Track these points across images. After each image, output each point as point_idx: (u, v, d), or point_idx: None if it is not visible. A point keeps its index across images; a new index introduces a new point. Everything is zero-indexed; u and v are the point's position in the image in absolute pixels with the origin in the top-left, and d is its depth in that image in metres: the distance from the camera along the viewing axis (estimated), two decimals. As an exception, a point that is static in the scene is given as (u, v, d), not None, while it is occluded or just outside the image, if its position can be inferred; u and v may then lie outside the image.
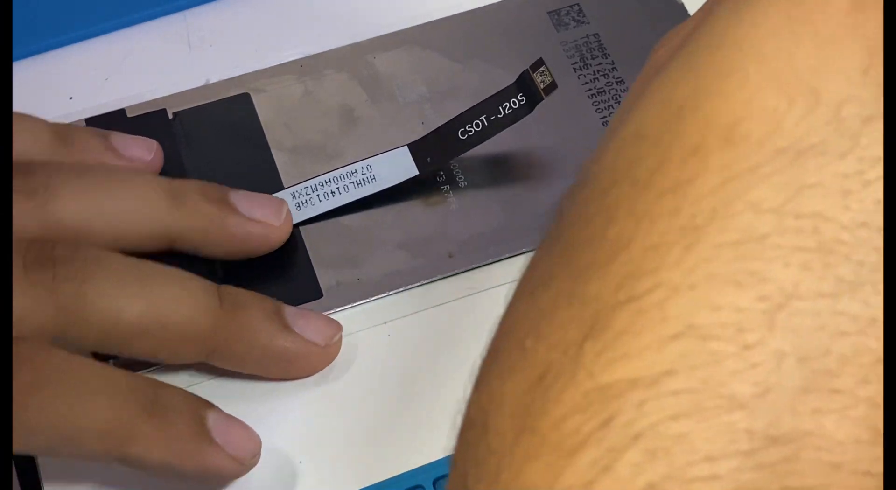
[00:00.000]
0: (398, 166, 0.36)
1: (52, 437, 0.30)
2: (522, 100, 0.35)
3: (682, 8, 0.40)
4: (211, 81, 0.39)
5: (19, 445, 0.29)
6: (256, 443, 0.32)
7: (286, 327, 0.33)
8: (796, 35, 0.19)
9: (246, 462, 0.31)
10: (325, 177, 0.36)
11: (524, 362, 0.19)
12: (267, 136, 0.38)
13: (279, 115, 0.38)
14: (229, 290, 0.33)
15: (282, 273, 0.35)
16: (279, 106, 0.39)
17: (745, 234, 0.19)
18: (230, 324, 0.32)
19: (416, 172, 0.36)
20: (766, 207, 0.19)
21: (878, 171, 0.19)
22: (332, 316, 0.35)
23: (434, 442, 0.33)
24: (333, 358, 0.34)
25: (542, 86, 0.35)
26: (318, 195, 0.36)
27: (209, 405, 0.32)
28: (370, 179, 0.36)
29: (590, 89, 0.38)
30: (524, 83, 0.35)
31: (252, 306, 0.33)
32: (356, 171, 0.36)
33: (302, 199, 0.36)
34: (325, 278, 0.35)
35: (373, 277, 0.35)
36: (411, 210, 0.36)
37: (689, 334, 0.18)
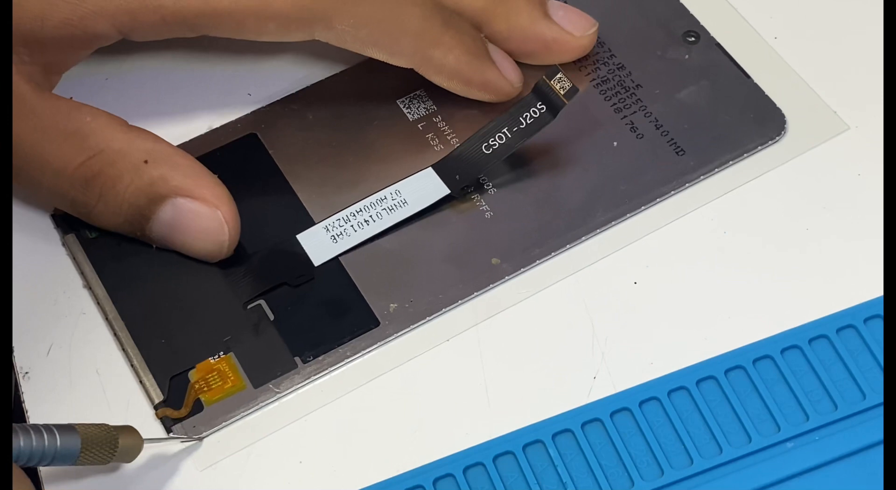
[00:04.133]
0: (427, 187, 0.36)
1: (377, 30, 0.36)
2: (542, 108, 0.35)
3: (665, -13, 0.41)
4: (214, 127, 0.39)
5: (349, 23, 0.35)
6: (521, 76, 0.38)
7: (546, 16, 0.38)
8: None
9: (515, 85, 0.38)
10: (356, 207, 0.36)
11: None
12: (284, 172, 0.37)
13: (291, 150, 0.38)
14: None
15: (334, 308, 0.35)
16: (289, 141, 0.38)
17: None
18: (497, 7, 0.37)
19: (448, 191, 0.36)
20: None
21: None
22: (391, 342, 0.35)
23: (435, 442, 0.33)
24: (587, 50, 0.39)
25: (562, 92, 0.35)
26: (351, 225, 0.36)
27: (484, 38, 0.38)
28: (402, 204, 0.36)
29: (594, 80, 0.39)
30: (541, 92, 0.35)
31: None
32: (385, 198, 0.36)
33: (336, 232, 0.36)
34: (378, 306, 0.35)
35: (426, 297, 0.35)
36: (446, 223, 0.36)
37: None
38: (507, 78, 0.37)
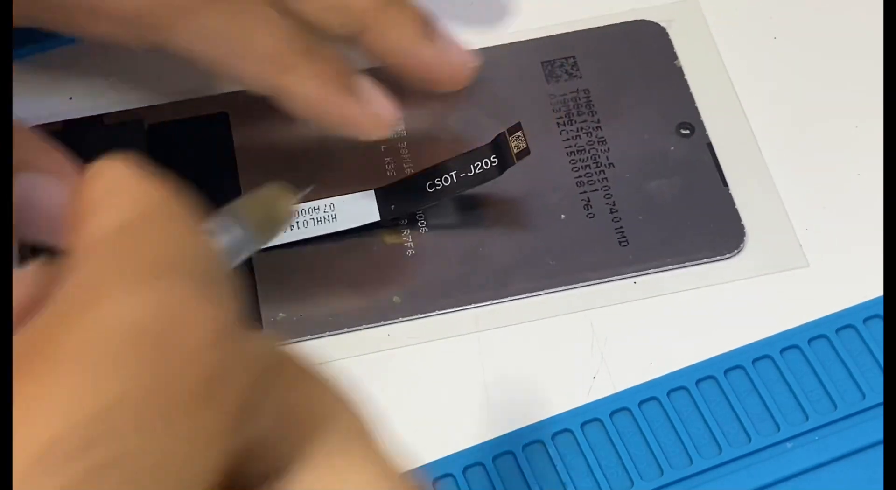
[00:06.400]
0: (361, 209, 0.36)
1: (221, 48, 0.32)
2: (495, 161, 0.34)
3: (680, 72, 0.39)
4: (192, 98, 0.39)
5: (190, 36, 0.32)
6: (393, 113, 0.34)
7: (427, 37, 0.35)
8: None
9: (384, 122, 0.34)
10: (286, 209, 0.36)
11: None
12: (237, 158, 0.37)
13: (254, 138, 0.38)
14: None
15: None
16: (255, 130, 0.38)
17: None
18: (378, 17, 0.34)
19: (377, 218, 0.36)
20: None
21: None
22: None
23: (434, 442, 0.33)
24: (463, 84, 0.35)
25: (515, 151, 0.34)
26: (275, 226, 0.36)
27: (355, 70, 0.34)
28: (331, 218, 0.36)
29: (569, 147, 0.38)
30: (498, 146, 0.34)
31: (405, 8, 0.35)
32: (318, 208, 0.36)
33: (259, 228, 0.36)
34: (267, 312, 0.35)
35: (316, 316, 0.35)
36: (366, 249, 0.36)
37: None
38: (374, 113, 0.34)
